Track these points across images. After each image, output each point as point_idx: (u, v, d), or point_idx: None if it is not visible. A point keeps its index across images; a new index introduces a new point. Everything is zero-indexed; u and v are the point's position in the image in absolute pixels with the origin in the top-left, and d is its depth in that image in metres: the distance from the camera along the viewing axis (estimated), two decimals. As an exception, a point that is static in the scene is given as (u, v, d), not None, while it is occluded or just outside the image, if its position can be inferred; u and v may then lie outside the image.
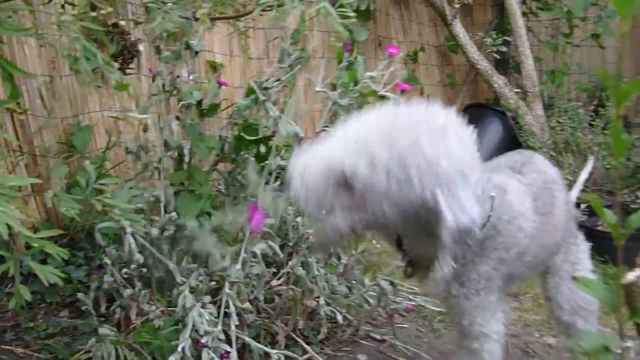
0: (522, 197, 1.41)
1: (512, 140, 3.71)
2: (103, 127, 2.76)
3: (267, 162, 1.98)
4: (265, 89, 1.91)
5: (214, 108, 1.91)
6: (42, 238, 1.03)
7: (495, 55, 3.88)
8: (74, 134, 2.56)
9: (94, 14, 1.32)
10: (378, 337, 2.14)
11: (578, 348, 1.09)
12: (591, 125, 3.50)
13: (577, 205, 1.92)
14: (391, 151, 1.10)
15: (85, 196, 1.25)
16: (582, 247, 1.72)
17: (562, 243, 1.61)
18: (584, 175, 1.91)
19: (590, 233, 2.01)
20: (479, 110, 3.97)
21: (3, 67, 0.88)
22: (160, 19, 1.24)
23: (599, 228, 3.06)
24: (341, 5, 1.59)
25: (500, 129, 3.88)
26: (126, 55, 1.50)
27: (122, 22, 1.55)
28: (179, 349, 1.45)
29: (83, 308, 1.90)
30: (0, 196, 0.84)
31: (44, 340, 1.87)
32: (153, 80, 1.84)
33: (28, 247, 1.28)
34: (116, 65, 1.35)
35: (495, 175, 1.39)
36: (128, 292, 1.67)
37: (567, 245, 1.64)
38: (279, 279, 2.00)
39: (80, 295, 1.71)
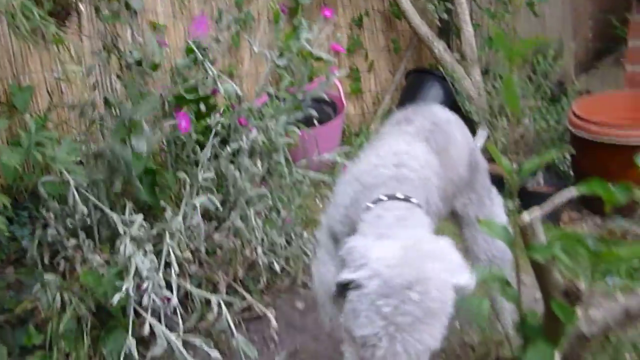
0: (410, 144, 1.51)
1: (452, 105, 3.86)
2: (45, 88, 2.76)
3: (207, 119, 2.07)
4: (204, 49, 1.97)
5: (154, 67, 1.96)
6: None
7: (437, 22, 3.99)
8: (15, 94, 2.55)
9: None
10: (315, 286, 2.27)
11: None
12: (523, 89, 3.68)
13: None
14: None
15: (27, 150, 1.31)
16: (497, 201, 1.86)
17: (469, 183, 1.73)
18: (479, 139, 2.03)
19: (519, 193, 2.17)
20: (420, 75, 4.09)
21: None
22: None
23: (528, 188, 3.26)
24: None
25: (441, 93, 4.02)
26: (62, 13, 1.54)
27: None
28: (123, 289, 1.54)
29: (28, 262, 1.96)
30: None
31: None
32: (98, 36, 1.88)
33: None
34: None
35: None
36: (72, 242, 1.74)
37: (479, 197, 1.77)
38: (220, 232, 2.10)
39: (24, 242, 1.76)
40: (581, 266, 2.20)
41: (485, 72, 3.99)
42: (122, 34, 2.20)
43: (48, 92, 2.75)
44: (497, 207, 1.84)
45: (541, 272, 1.34)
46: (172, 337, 1.63)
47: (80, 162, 1.71)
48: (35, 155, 1.25)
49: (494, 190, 1.87)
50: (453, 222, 1.87)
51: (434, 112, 1.68)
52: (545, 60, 3.74)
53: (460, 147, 1.66)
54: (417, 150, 1.50)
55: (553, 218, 2.98)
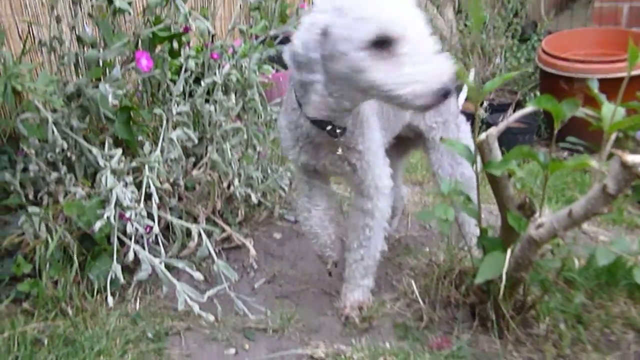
0: None
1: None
2: (16, 32, 2.75)
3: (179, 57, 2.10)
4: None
5: (126, 6, 1.98)
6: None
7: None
8: (-13, 39, 2.55)
9: None
10: (292, 218, 2.38)
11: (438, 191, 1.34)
12: (494, 27, 3.74)
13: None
14: None
15: (5, 80, 1.35)
16: (463, 127, 1.95)
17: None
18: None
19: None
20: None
21: None
22: None
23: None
24: None
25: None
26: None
27: None
28: (104, 216, 1.61)
29: (11, 202, 2.02)
30: None
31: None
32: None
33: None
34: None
35: None
36: (54, 175, 1.80)
37: (445, 121, 1.86)
38: (198, 168, 2.17)
39: (7, 176, 1.82)
40: (534, 179, 2.33)
41: (457, 12, 4.04)
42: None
43: (19, 36, 2.75)
44: (462, 133, 1.92)
45: (498, 187, 1.44)
46: (156, 261, 1.72)
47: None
48: (14, 86, 1.30)
49: (461, 117, 1.95)
50: (422, 148, 1.97)
51: None
52: (516, -1, 3.79)
53: None
54: None
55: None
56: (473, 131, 2.01)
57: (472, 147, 1.97)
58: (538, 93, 3.62)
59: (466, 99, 3.13)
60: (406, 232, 2.29)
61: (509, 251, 1.39)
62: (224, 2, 3.49)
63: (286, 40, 2.47)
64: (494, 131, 1.39)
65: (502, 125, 1.40)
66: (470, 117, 1.83)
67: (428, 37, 1.29)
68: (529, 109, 1.43)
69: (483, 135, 1.39)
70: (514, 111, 3.47)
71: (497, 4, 3.80)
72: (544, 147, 3.35)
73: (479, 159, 1.44)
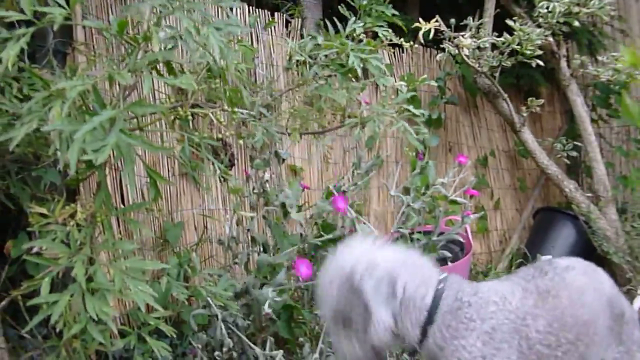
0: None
1: (585, 245, 3.70)
2: (193, 224, 3.02)
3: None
4: (343, 192, 2.11)
5: (299, 209, 2.11)
6: (157, 318, 1.21)
7: (566, 160, 3.95)
8: (168, 230, 2.82)
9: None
10: None
11: None
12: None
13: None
14: None
15: (190, 284, 1.43)
16: None
17: (615, 335, 1.62)
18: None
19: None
20: (550, 214, 4.01)
21: (150, 175, 1.11)
22: (260, 134, 1.48)
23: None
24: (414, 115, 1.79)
25: (573, 232, 3.89)
26: (228, 163, 1.74)
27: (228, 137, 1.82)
28: None
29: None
30: (134, 278, 1.03)
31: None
32: (247, 181, 2.09)
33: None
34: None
35: None
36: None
37: (628, 350, 1.64)
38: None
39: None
40: None
41: (621, 212, 3.83)
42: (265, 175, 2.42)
43: (195, 227, 3.02)
44: None
45: None
46: None
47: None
48: (200, 291, 1.38)
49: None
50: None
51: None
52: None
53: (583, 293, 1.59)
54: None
55: None
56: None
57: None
58: None
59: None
60: None
61: None
62: (379, 199, 3.63)
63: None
64: None
65: None
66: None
67: None
68: None
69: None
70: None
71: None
72: None
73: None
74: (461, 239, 3.54)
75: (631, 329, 1.68)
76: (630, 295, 2.62)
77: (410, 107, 1.77)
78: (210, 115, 1.30)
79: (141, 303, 1.01)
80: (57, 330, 1.20)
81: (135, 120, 1.37)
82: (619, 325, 1.64)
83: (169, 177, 2.86)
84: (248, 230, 2.08)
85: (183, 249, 2.91)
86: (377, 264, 1.40)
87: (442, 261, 2.38)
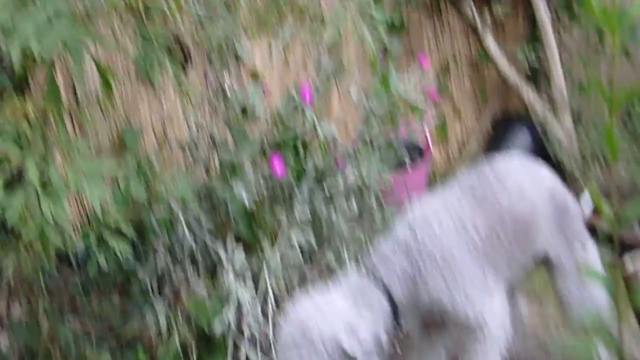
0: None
1: (541, 152, 3.80)
2: (151, 128, 2.97)
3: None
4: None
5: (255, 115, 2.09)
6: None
7: (527, 70, 3.96)
8: (126, 134, 2.77)
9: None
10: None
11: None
12: (619, 135, 3.58)
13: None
14: None
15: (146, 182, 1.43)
16: (589, 246, 1.78)
17: (558, 228, 1.72)
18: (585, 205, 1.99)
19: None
20: (508, 122, 4.07)
21: (101, 72, 1.07)
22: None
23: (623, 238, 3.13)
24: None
25: (529, 139, 3.97)
26: (184, 63, 1.69)
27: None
28: (224, 317, 1.63)
29: (133, 291, 2.09)
30: (90, 178, 1.02)
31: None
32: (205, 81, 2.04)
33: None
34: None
35: None
36: (180, 272, 1.86)
37: (570, 244, 1.73)
38: (312, 271, 2.17)
39: (140, 274, 1.90)
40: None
41: (576, 119, 3.92)
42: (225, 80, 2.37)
43: (154, 133, 2.97)
44: (591, 257, 1.78)
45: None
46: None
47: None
48: (160, 193, 1.38)
49: (590, 240, 1.81)
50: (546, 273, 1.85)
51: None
52: (641, 105, 3.63)
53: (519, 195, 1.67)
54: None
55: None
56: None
57: (601, 269, 1.84)
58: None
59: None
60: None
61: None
62: (341, 105, 3.61)
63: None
64: (645, 264, 1.28)
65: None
66: (592, 230, 1.72)
67: None
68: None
69: (631, 267, 1.28)
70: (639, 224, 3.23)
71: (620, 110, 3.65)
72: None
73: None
74: (421, 146, 3.60)
75: (576, 223, 1.76)
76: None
77: (372, 11, 1.73)
78: (165, 9, 1.24)
79: (96, 203, 1.00)
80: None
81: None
82: (562, 218, 1.71)
83: (123, 82, 2.77)
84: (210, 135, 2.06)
85: (142, 155, 2.88)
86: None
87: (402, 165, 2.42)
